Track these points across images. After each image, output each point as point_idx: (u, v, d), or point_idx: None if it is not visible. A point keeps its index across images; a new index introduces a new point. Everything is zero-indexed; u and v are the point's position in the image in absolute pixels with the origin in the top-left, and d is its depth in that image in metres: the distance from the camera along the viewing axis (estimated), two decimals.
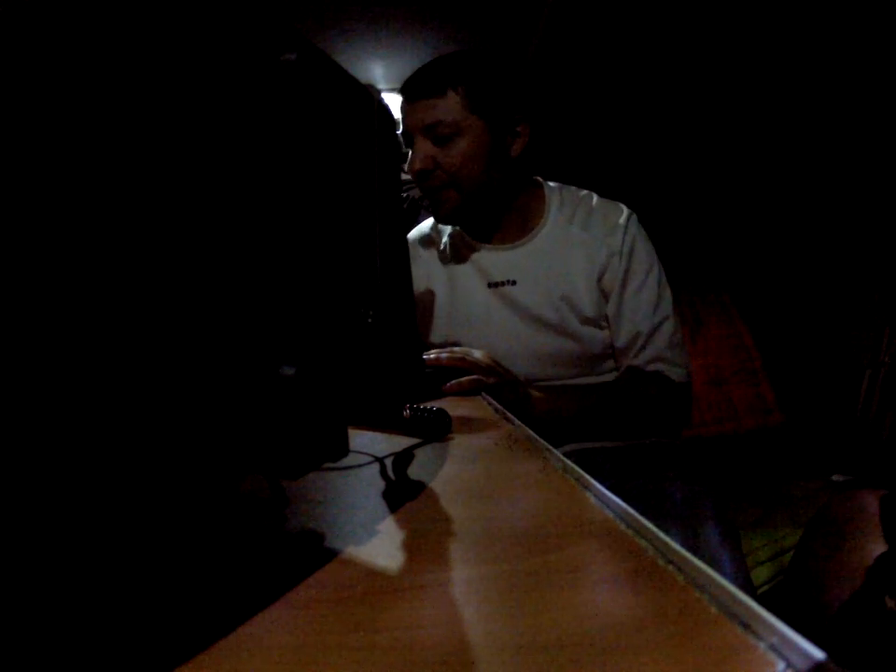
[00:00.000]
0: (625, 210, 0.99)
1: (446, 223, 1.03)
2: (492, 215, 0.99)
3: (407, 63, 0.94)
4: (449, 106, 0.88)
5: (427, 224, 1.13)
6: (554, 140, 2.05)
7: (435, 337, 1.03)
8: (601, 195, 1.03)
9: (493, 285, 0.99)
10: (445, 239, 1.06)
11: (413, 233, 1.14)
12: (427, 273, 1.05)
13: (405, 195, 1.20)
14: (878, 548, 0.56)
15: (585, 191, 1.04)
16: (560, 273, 0.95)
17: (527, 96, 0.96)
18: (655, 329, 0.92)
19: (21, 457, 0.21)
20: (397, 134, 0.89)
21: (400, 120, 0.95)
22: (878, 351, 1.56)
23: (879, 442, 1.48)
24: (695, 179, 1.97)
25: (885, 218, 1.59)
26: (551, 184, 1.05)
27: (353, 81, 0.29)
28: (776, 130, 1.82)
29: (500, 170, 0.93)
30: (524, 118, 0.94)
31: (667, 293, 0.96)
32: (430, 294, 1.03)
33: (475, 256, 1.01)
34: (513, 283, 0.97)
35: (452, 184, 0.92)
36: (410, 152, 0.95)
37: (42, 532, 0.24)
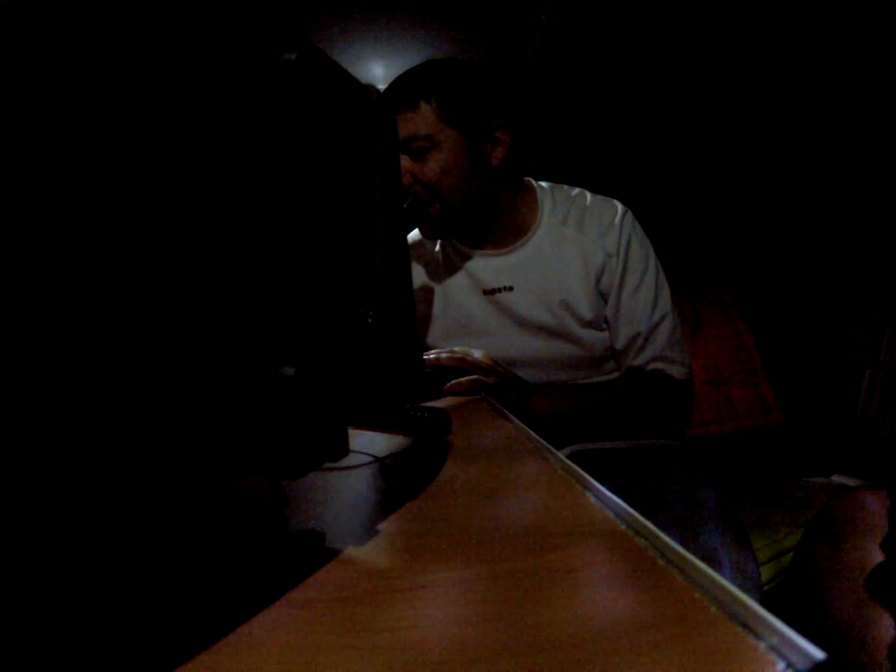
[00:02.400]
0: (620, 208, 0.97)
1: (432, 238, 1.02)
2: (482, 222, 0.97)
3: (407, 64, 0.94)
4: (422, 119, 0.87)
5: (418, 232, 1.12)
6: (555, 139, 2.06)
7: (429, 347, 1.02)
8: (602, 193, 1.01)
9: (488, 292, 0.97)
10: (438, 248, 1.05)
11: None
12: (419, 283, 1.04)
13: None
14: (878, 549, 0.56)
15: (577, 190, 1.02)
16: (557, 276, 0.94)
17: (504, 102, 0.94)
18: (654, 328, 0.92)
19: (21, 458, 0.21)
20: (397, 134, 0.89)
21: None
22: (878, 351, 1.56)
23: (879, 442, 1.48)
24: (695, 178, 1.97)
25: (885, 218, 1.59)
26: (542, 185, 1.03)
27: (353, 81, 0.29)
28: (776, 129, 1.82)
29: (482, 179, 0.92)
30: (502, 123, 0.92)
31: (665, 290, 0.95)
32: (424, 305, 1.02)
33: (468, 263, 0.99)
34: (510, 289, 0.95)
35: (433, 198, 0.90)
36: None
37: (42, 532, 0.24)
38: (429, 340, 1.02)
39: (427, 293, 1.03)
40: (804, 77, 1.66)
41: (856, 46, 1.51)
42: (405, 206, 0.92)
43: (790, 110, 1.76)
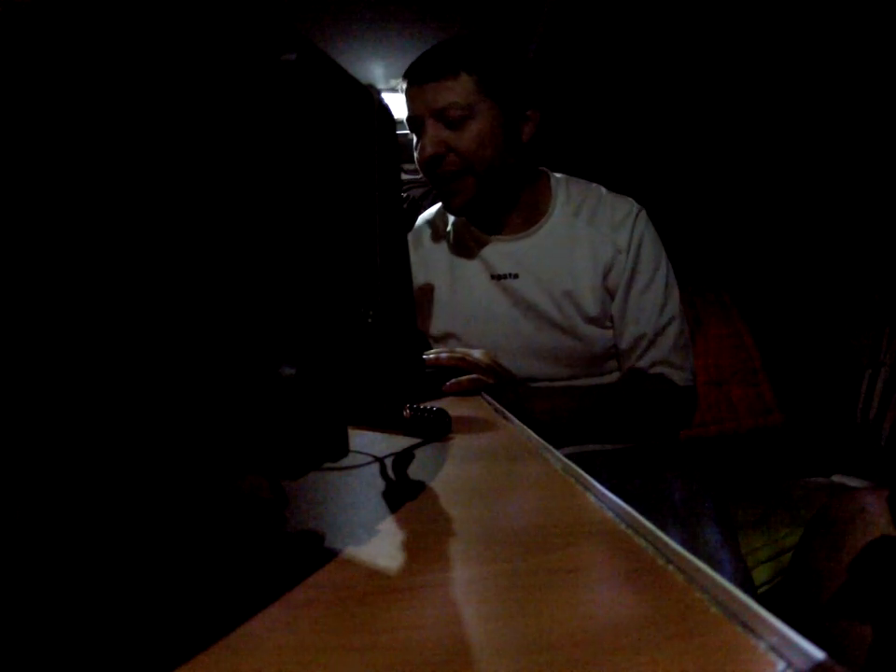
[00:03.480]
0: (634, 205, 0.96)
1: (460, 214, 1.00)
2: (499, 205, 0.97)
3: (407, 63, 0.94)
4: (462, 88, 0.86)
5: (432, 211, 1.10)
6: (558, 135, 2.05)
7: (435, 330, 1.01)
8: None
9: (496, 277, 0.97)
10: (450, 228, 1.04)
11: (420, 220, 1.12)
12: (429, 262, 1.03)
13: (405, 195, 1.19)
14: (878, 548, 0.56)
15: (594, 185, 1.02)
16: (563, 268, 0.93)
17: (537, 81, 0.95)
18: (660, 331, 0.91)
19: (21, 458, 0.21)
20: (397, 134, 0.89)
21: (406, 107, 0.92)
22: (878, 351, 1.56)
23: (879, 443, 1.48)
24: (696, 178, 1.97)
25: (885, 218, 1.59)
26: (557, 175, 1.02)
27: (353, 81, 0.29)
28: (777, 129, 1.82)
29: (512, 155, 0.92)
30: (533, 103, 0.93)
31: (675, 293, 0.94)
32: (430, 285, 1.01)
33: (479, 247, 0.99)
34: (515, 276, 0.95)
35: (466, 169, 0.89)
36: (415, 140, 0.93)
37: (42, 532, 0.24)
38: (434, 321, 1.02)
39: (436, 273, 1.02)
40: (805, 77, 1.66)
41: (856, 46, 1.51)
42: (405, 206, 0.92)
43: (790, 110, 1.76)
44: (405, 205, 0.93)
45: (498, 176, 0.91)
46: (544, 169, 1.04)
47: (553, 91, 2.01)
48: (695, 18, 1.59)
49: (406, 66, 0.93)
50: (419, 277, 1.03)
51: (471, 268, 1.00)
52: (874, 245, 1.63)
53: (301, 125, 0.24)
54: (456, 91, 0.87)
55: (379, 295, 0.32)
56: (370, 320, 0.30)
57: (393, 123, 0.40)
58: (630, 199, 0.99)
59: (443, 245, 1.04)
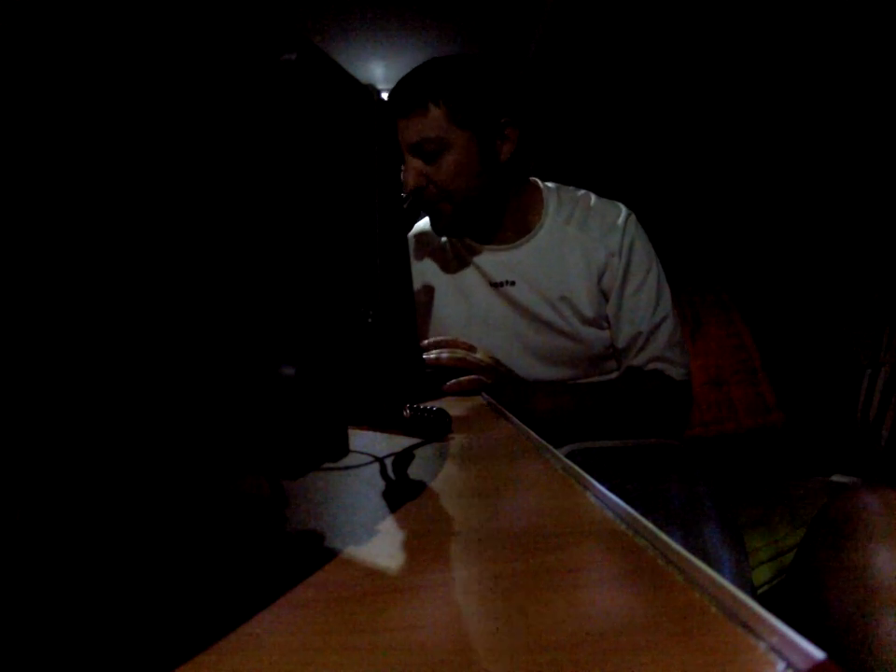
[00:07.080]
0: (624, 210, 0.98)
1: (444, 234, 1.03)
2: (489, 217, 0.99)
3: (407, 63, 0.95)
4: (432, 121, 0.87)
5: (425, 222, 1.12)
6: (555, 138, 2.06)
7: (435, 338, 1.03)
8: (601, 193, 1.03)
9: (494, 285, 0.99)
10: (444, 239, 1.06)
11: (413, 231, 1.14)
12: (425, 273, 1.05)
13: (405, 194, 1.19)
14: (879, 548, 0.56)
15: (583, 191, 1.03)
16: (558, 273, 0.95)
17: (512, 99, 0.94)
18: (655, 328, 0.93)
19: (20, 457, 0.21)
20: (397, 134, 0.89)
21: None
22: (878, 351, 1.55)
23: (879, 443, 1.48)
24: (695, 178, 1.97)
25: (885, 218, 1.59)
26: (548, 185, 1.04)
27: (353, 81, 0.29)
28: (776, 129, 1.82)
29: (492, 176, 0.93)
30: (510, 120, 0.92)
31: (666, 292, 0.96)
32: (430, 294, 1.03)
33: (475, 257, 1.01)
34: (512, 283, 0.97)
35: (445, 198, 0.92)
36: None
37: (42, 532, 0.24)
38: (433, 329, 1.03)
39: (435, 282, 1.04)
40: (803, 76, 1.66)
41: (856, 46, 1.51)
42: (405, 206, 0.92)
43: (790, 109, 1.76)
44: (405, 205, 0.93)
45: (477, 200, 0.93)
46: (534, 179, 1.05)
47: (552, 92, 2.01)
48: (697, 14, 1.59)
49: (405, 67, 0.94)
50: (417, 288, 1.04)
51: (469, 277, 1.01)
52: (873, 245, 1.63)
53: (301, 125, 0.24)
54: (427, 125, 0.87)
55: (379, 295, 0.32)
56: (370, 320, 0.30)
57: (393, 123, 0.40)
58: (620, 203, 1.00)
59: (439, 257, 1.05)
